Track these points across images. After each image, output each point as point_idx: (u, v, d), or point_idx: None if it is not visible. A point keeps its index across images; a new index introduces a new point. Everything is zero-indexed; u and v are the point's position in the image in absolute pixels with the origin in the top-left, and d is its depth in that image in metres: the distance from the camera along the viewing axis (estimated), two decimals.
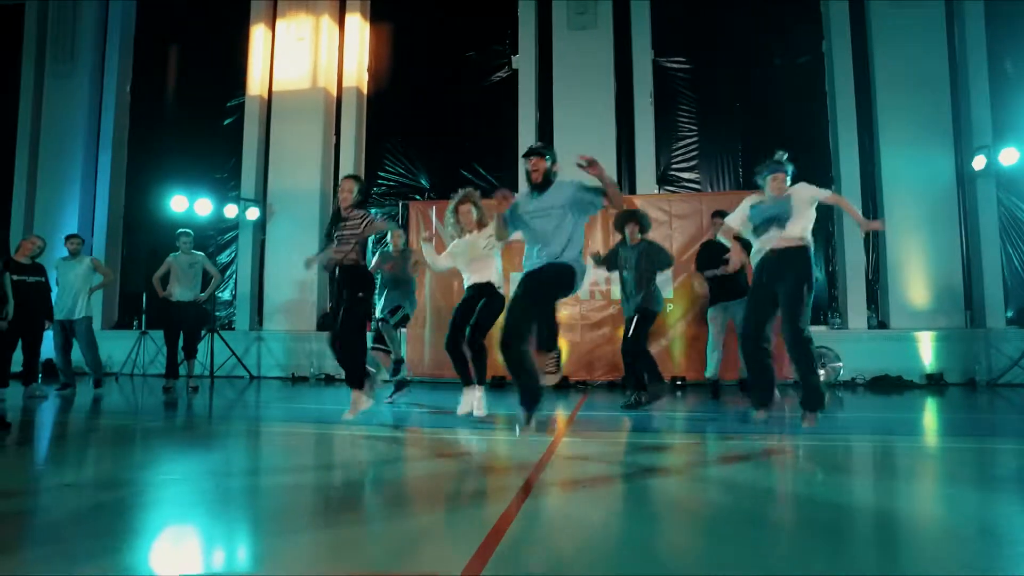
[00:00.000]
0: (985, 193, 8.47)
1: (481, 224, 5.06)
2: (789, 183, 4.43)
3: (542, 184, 3.90)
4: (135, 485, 2.98)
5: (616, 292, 8.69)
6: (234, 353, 9.39)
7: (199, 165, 10.75)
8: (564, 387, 8.39)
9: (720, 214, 6.69)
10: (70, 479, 3.11)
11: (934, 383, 8.02)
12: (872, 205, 8.84)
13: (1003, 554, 2.05)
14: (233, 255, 10.38)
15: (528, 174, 3.94)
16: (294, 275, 9.75)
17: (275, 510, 2.56)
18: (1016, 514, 2.56)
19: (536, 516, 2.44)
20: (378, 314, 6.36)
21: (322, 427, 4.70)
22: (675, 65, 9.61)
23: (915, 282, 8.45)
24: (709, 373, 6.81)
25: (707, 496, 2.83)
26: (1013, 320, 8.40)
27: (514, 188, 9.71)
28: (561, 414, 5.65)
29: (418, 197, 9.94)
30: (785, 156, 4.36)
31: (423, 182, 10.18)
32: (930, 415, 5.77)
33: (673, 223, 8.47)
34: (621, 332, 8.46)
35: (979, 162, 8.13)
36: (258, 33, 10.57)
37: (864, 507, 2.67)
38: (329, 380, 9.22)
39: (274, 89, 10.39)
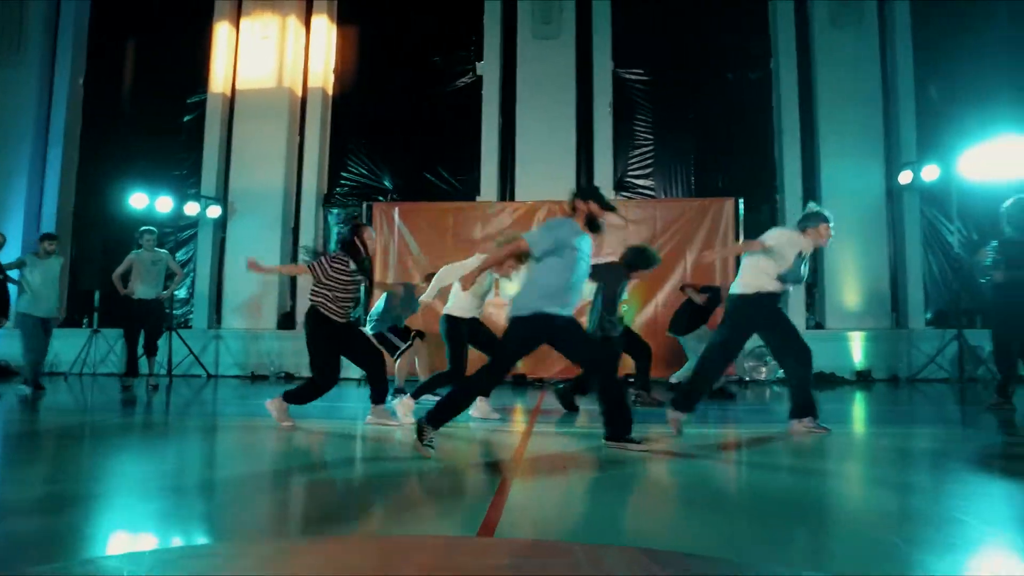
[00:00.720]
0: (910, 205, 9.24)
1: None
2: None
3: (594, 232, 3.67)
4: (181, 472, 3.13)
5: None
6: (191, 351, 9.33)
7: (156, 161, 10.60)
8: (522, 384, 8.71)
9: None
10: (95, 471, 3.23)
11: (863, 379, 8.70)
12: None
13: (917, 513, 2.47)
14: (191, 253, 10.29)
15: (597, 220, 3.60)
16: (256, 274, 9.72)
17: (309, 489, 2.79)
18: (926, 482, 3.03)
19: (527, 486, 2.73)
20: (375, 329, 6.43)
21: (307, 422, 4.85)
22: (634, 76, 10.07)
23: (848, 286, 9.13)
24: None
25: (663, 473, 3.20)
26: (931, 321, 9.19)
27: (476, 191, 10.00)
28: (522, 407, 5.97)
29: (381, 198, 10.09)
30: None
31: (386, 183, 10.34)
32: (859, 407, 6.35)
33: (629, 227, 8.91)
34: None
35: (905, 177, 8.87)
36: (221, 30, 10.51)
37: (809, 483, 3.08)
38: (289, 378, 9.27)
39: (238, 87, 10.35)
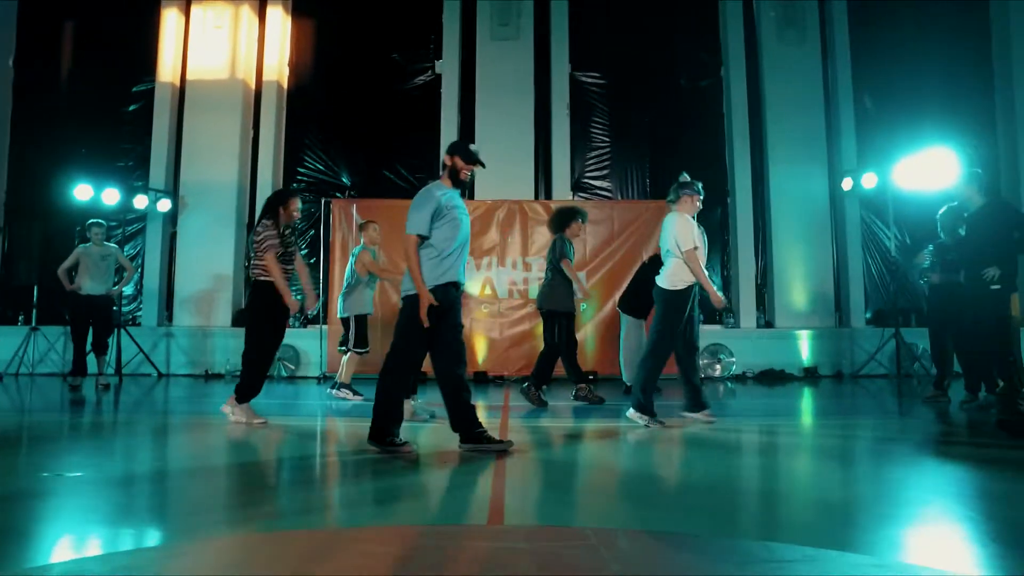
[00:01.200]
0: (851, 211, 9.76)
1: None
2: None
3: (459, 187, 3.66)
4: (174, 473, 3.05)
5: (534, 291, 9.19)
6: (141, 349, 8.99)
7: (98, 151, 10.15)
8: (483, 382, 8.77)
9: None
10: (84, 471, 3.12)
11: (810, 375, 9.14)
12: (761, 217, 9.91)
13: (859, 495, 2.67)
14: (139, 247, 9.91)
15: (460, 173, 3.60)
16: (209, 269, 9.49)
17: (292, 484, 2.78)
18: (871, 465, 3.27)
19: (519, 477, 2.81)
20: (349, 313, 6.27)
21: (273, 419, 4.79)
22: (590, 79, 10.27)
23: (796, 287, 9.57)
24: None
25: (635, 459, 3.35)
26: (871, 320, 9.75)
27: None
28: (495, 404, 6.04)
29: (339, 195, 9.94)
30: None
31: (344, 180, 10.21)
32: (812, 401, 6.70)
33: (587, 228, 9.05)
34: (538, 329, 9.03)
35: (847, 183, 9.36)
36: (170, 17, 10.13)
37: (769, 470, 3.27)
38: None
39: (188, 77, 10.01)
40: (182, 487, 2.76)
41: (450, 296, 3.49)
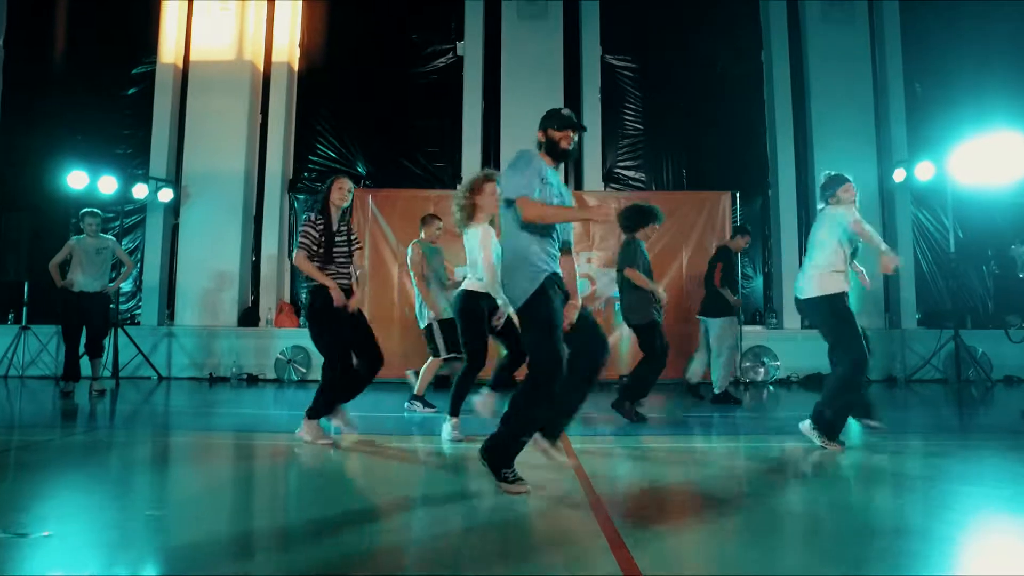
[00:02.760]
0: (902, 205, 9.13)
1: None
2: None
3: (561, 159, 3.14)
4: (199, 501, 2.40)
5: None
6: (140, 351, 8.33)
7: (95, 137, 9.47)
8: (511, 386, 8.11)
9: (743, 231, 6.62)
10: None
11: None
12: (805, 210, 9.27)
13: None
14: (138, 240, 9.23)
15: (560, 144, 3.05)
16: (213, 264, 8.84)
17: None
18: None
19: (628, 519, 2.17)
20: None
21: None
22: (622, 63, 9.61)
23: None
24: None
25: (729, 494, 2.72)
26: (922, 321, 9.11)
27: (457, 179, 9.32)
28: None
29: (354, 184, 9.28)
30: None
31: (359, 169, 9.54)
32: (902, 413, 6.10)
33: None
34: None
35: (899, 175, 8.71)
36: None
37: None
38: (252, 380, 8.43)
39: (192, 58, 9.33)
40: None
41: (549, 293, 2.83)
